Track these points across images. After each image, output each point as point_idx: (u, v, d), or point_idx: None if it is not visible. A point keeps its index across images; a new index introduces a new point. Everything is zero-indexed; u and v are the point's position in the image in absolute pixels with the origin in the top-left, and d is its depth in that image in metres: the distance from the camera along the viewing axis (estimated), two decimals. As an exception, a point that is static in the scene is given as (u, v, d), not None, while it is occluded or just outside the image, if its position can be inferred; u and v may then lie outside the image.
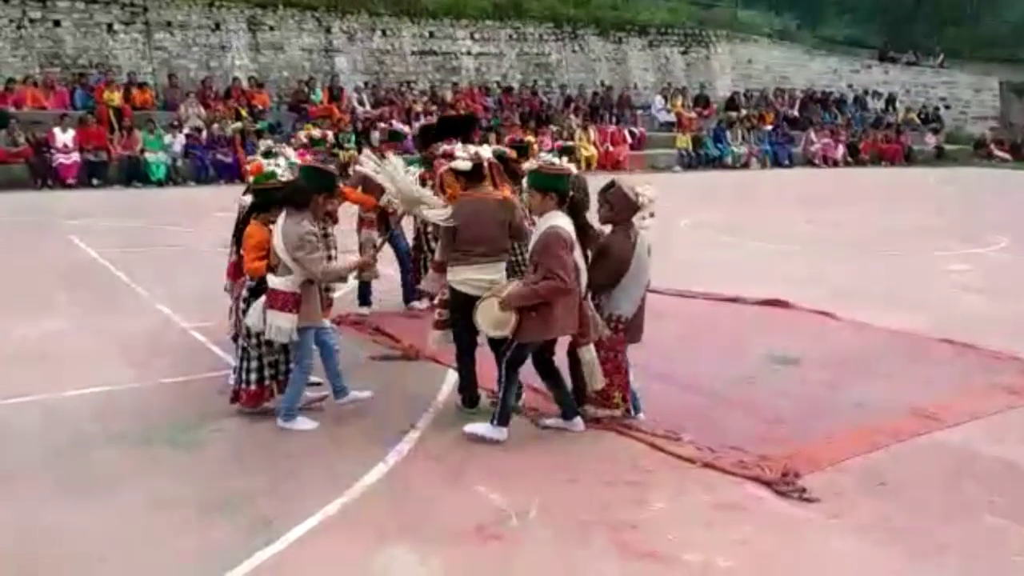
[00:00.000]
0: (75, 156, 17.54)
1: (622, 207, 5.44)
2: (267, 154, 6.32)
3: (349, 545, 4.16)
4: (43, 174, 17.29)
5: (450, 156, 6.13)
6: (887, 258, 12.04)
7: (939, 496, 4.79)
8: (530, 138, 10.64)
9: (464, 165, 5.67)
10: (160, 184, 18.10)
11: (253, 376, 5.59)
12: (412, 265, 8.35)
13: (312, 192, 5.42)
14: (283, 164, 5.91)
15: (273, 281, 5.33)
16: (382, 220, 7.82)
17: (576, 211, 5.44)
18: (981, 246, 13.20)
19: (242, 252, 5.62)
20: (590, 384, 5.58)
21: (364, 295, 8.29)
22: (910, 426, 5.73)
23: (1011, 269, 11.57)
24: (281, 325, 5.30)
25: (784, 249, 12.37)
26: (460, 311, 5.59)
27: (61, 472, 4.86)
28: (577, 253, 5.35)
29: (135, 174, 18.05)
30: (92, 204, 15.11)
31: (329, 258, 6.44)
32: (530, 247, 5.36)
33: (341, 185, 6.94)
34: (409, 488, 4.74)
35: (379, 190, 7.02)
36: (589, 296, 5.47)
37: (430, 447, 5.26)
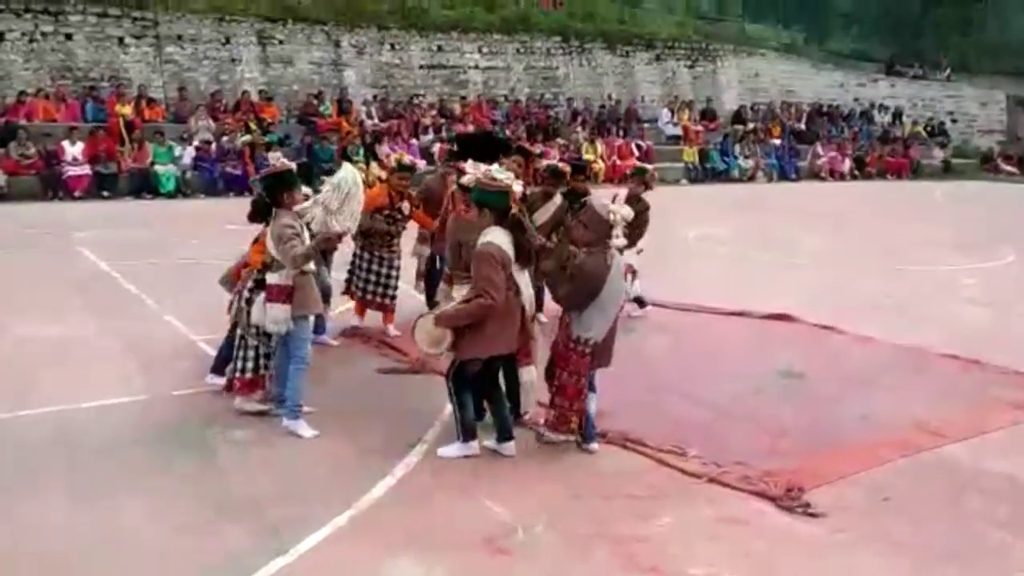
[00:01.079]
0: (85, 168, 17.63)
1: (596, 227, 5.30)
2: None
3: (357, 556, 4.20)
4: (53, 186, 17.38)
5: (461, 172, 6.20)
6: (894, 272, 12.06)
7: (943, 511, 4.81)
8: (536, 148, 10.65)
9: (467, 180, 5.71)
10: (170, 196, 18.17)
11: (249, 365, 5.86)
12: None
13: (277, 193, 5.70)
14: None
15: (270, 277, 5.64)
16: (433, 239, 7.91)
17: (518, 227, 5.33)
18: (988, 260, 13.22)
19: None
20: (523, 405, 5.61)
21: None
22: (915, 441, 5.76)
23: (1018, 283, 11.58)
24: (276, 316, 5.58)
25: (791, 263, 12.40)
26: None
27: (73, 483, 4.91)
28: (515, 270, 5.27)
29: (144, 186, 18.14)
30: (101, 216, 15.20)
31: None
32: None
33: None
34: (417, 501, 4.78)
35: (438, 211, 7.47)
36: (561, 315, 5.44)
37: (437, 460, 5.30)
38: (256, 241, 6.07)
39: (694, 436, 5.71)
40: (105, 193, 17.74)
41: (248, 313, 5.83)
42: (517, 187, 5.50)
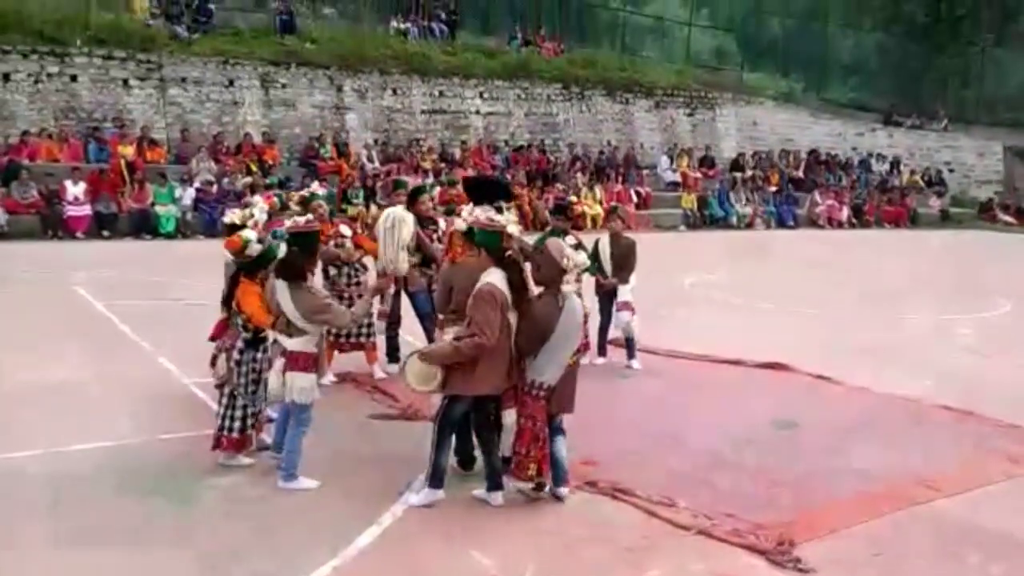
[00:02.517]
0: (86, 208, 17.74)
1: (549, 270, 5.30)
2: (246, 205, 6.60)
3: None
4: (53, 225, 17.47)
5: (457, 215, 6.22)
6: (891, 321, 12.05)
7: (937, 567, 4.76)
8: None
9: (460, 226, 5.72)
10: (169, 237, 18.25)
11: (237, 424, 5.74)
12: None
13: (303, 261, 5.60)
14: (257, 212, 6.12)
15: (291, 344, 5.47)
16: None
17: (513, 269, 5.36)
18: (985, 310, 13.21)
19: (234, 309, 5.78)
20: (504, 448, 5.50)
21: (392, 351, 8.30)
22: (908, 494, 5.71)
23: (1014, 333, 11.57)
24: (303, 385, 5.44)
25: (787, 310, 12.39)
26: None
27: (56, 529, 4.85)
28: (512, 315, 5.29)
29: (144, 226, 18.21)
30: (100, 256, 15.23)
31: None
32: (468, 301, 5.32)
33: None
34: (402, 550, 4.72)
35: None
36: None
37: (425, 509, 5.24)
38: (252, 301, 5.72)
39: (685, 486, 5.66)
40: (105, 233, 17.81)
41: (240, 374, 5.72)
42: (513, 228, 5.53)
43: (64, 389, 7.38)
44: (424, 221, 8.07)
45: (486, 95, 26.20)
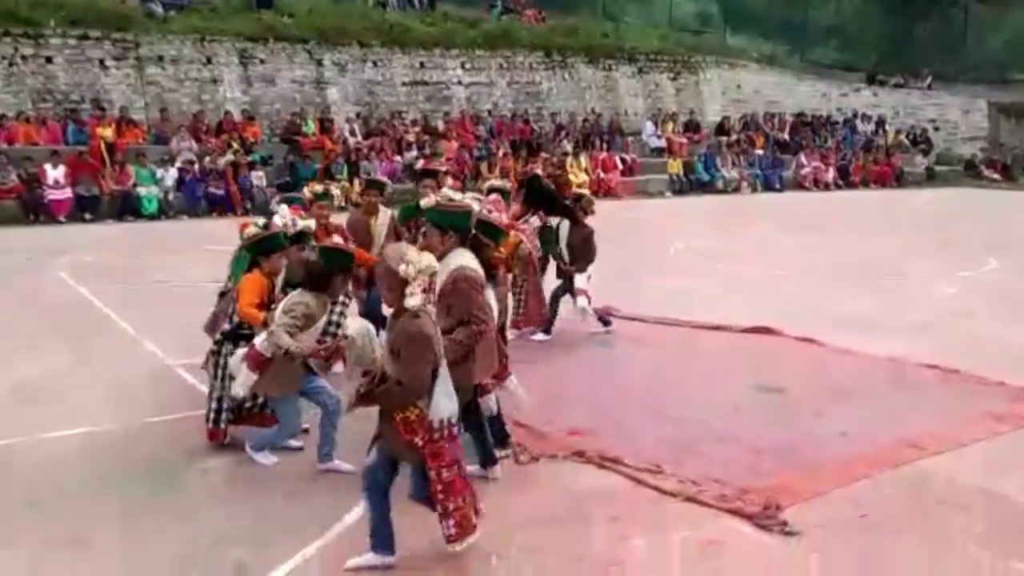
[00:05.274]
0: (67, 192, 17.57)
1: (391, 284, 4.16)
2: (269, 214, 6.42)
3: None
4: (34, 210, 17.30)
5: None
6: (877, 282, 12.07)
7: (921, 527, 4.78)
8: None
9: (425, 203, 5.42)
10: (152, 218, 18.11)
11: (211, 416, 5.68)
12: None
13: (332, 274, 5.34)
14: (284, 212, 6.08)
15: (258, 338, 5.33)
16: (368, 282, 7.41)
17: (480, 246, 5.18)
18: (971, 269, 13.24)
19: (230, 297, 5.72)
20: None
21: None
22: (894, 455, 5.73)
23: (1000, 292, 11.59)
24: (241, 379, 5.33)
25: (773, 274, 12.39)
26: None
27: (40, 519, 4.83)
28: (489, 291, 5.13)
29: (127, 208, 18.07)
30: (83, 239, 15.10)
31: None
32: (437, 288, 4.68)
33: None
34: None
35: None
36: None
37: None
38: (248, 288, 5.61)
39: (672, 453, 5.68)
40: (87, 216, 17.66)
41: (219, 365, 5.64)
42: (476, 206, 5.41)
43: (49, 374, 7.34)
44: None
45: (468, 65, 26.00)
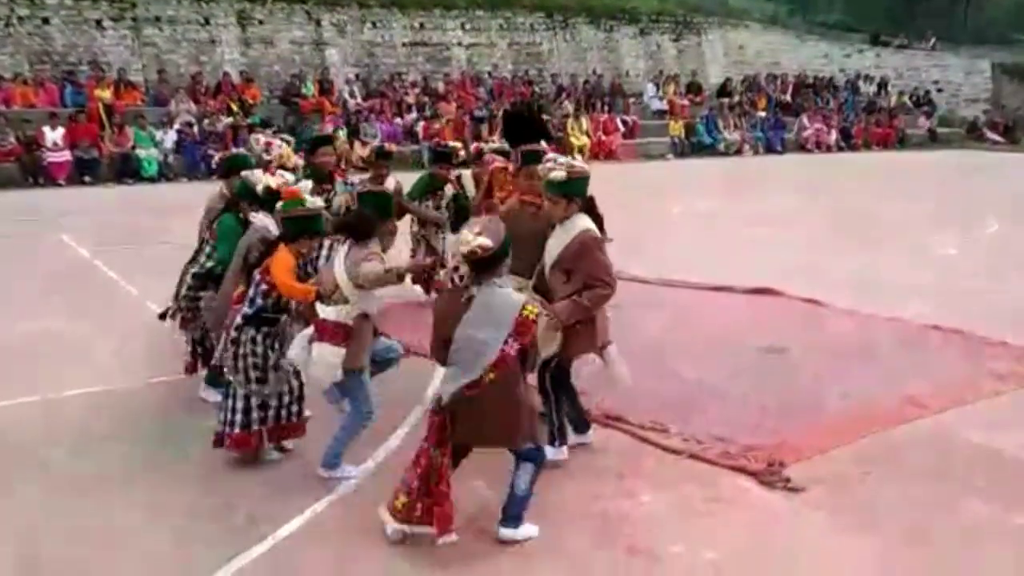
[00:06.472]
0: (66, 154, 17.49)
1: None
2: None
3: (336, 543, 4.19)
4: (33, 172, 17.24)
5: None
6: (879, 244, 12.05)
7: (923, 484, 4.82)
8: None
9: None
10: (152, 180, 18.05)
11: (239, 418, 4.90)
12: None
13: (376, 220, 4.80)
14: (307, 187, 5.32)
15: (323, 311, 4.70)
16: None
17: (594, 211, 5.00)
18: (973, 230, 13.23)
19: (255, 278, 4.93)
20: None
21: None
22: (897, 414, 5.77)
23: (1002, 253, 11.59)
24: (327, 358, 4.65)
25: (776, 236, 12.37)
26: None
27: (51, 476, 4.88)
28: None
29: (126, 170, 18.01)
30: (83, 202, 15.08)
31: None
32: (555, 254, 4.86)
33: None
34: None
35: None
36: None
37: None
38: (287, 269, 4.86)
39: (676, 412, 5.71)
40: (87, 178, 17.62)
41: (240, 356, 4.87)
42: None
43: (53, 335, 7.37)
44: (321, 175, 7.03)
45: (468, 26, 25.78)
